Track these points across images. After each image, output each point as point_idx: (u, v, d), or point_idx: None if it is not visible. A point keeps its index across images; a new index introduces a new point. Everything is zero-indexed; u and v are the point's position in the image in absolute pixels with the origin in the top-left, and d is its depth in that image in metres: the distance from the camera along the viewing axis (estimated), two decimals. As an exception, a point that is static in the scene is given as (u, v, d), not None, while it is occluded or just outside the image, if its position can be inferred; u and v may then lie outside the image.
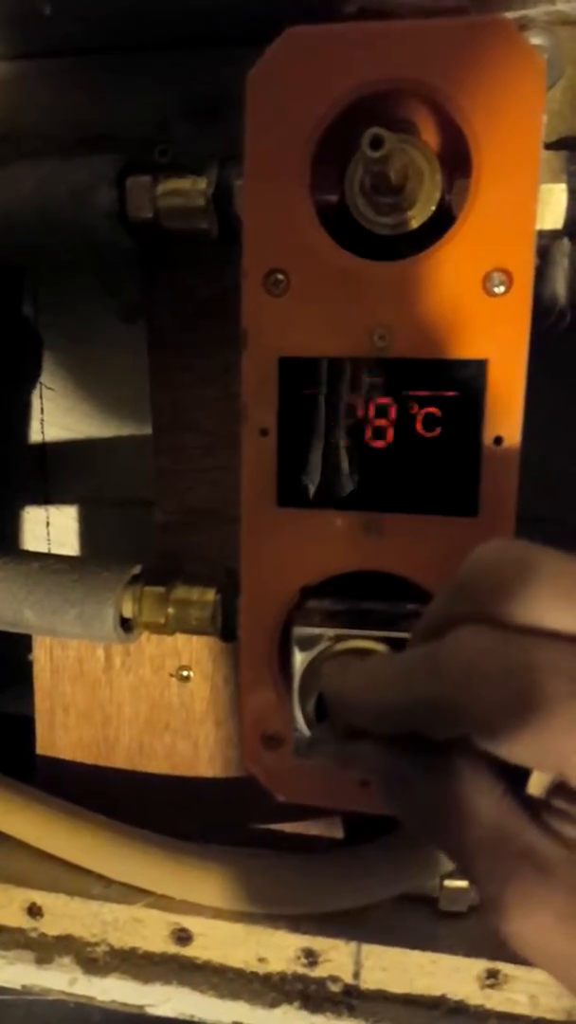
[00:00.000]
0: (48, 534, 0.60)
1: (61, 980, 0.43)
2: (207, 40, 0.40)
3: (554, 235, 0.33)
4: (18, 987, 0.44)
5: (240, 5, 0.35)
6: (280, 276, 0.31)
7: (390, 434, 0.32)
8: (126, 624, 0.41)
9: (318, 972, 0.42)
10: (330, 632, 0.30)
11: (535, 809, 0.20)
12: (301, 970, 0.42)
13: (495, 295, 0.29)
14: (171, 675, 0.47)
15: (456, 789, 0.20)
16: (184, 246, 0.38)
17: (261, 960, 0.42)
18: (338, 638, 0.30)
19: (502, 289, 0.29)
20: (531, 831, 0.19)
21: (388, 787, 0.23)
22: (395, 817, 0.24)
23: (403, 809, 0.23)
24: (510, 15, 0.34)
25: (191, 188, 0.34)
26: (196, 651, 0.47)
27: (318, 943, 0.41)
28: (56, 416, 0.58)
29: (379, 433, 0.32)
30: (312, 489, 0.33)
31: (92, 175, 0.36)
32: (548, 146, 0.32)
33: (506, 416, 0.30)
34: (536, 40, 0.34)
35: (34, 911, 0.44)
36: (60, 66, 0.42)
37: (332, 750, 0.26)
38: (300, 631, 0.30)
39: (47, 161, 0.38)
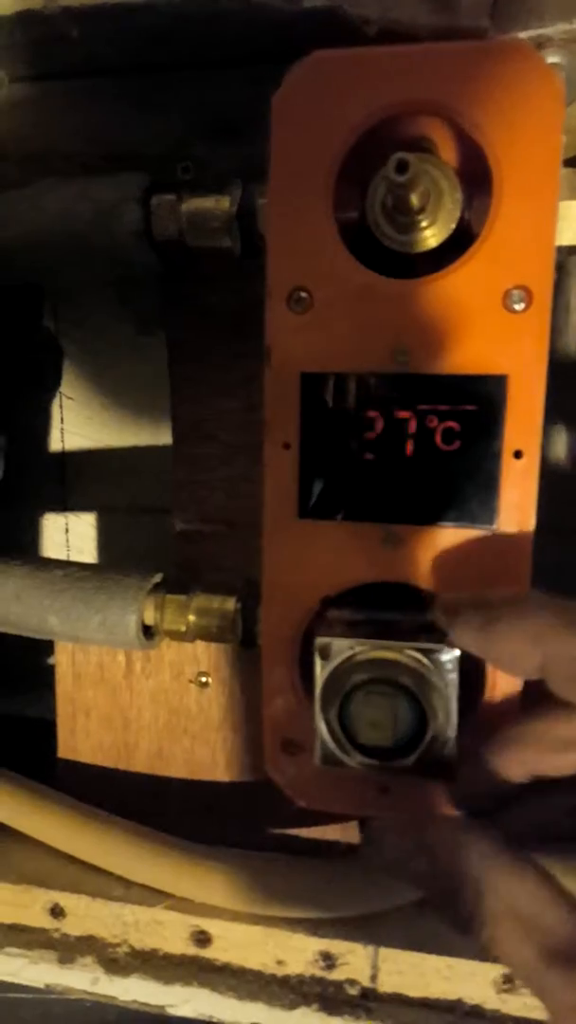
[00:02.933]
0: (67, 540, 0.61)
1: (83, 980, 0.44)
2: (227, 60, 0.40)
3: (571, 251, 0.33)
4: (41, 986, 0.45)
5: (260, 27, 0.36)
6: (303, 294, 0.32)
7: (409, 448, 0.32)
8: (148, 631, 0.41)
9: (336, 975, 0.42)
10: (351, 642, 0.31)
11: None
12: (319, 973, 0.42)
13: (515, 312, 0.30)
14: (190, 681, 0.48)
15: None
16: (205, 261, 0.39)
17: (279, 963, 0.43)
18: (359, 648, 0.30)
19: (522, 306, 0.30)
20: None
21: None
22: None
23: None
24: (527, 34, 0.35)
25: (215, 207, 0.35)
26: (214, 657, 0.47)
27: (336, 946, 0.42)
28: (75, 425, 0.59)
29: (399, 447, 0.32)
30: (333, 502, 0.33)
31: (117, 194, 0.37)
32: (567, 163, 0.33)
33: (526, 431, 0.31)
34: (553, 59, 0.35)
35: (57, 912, 0.45)
36: (84, 86, 0.43)
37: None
38: (322, 641, 0.31)
39: (71, 179, 0.39)
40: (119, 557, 0.60)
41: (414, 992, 0.41)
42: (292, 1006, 0.42)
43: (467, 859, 0.23)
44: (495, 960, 0.23)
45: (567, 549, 0.45)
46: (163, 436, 0.52)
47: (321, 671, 0.31)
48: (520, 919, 0.21)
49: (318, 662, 0.31)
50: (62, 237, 0.39)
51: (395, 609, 0.33)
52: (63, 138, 0.44)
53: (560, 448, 0.46)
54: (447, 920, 0.24)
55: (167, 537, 0.50)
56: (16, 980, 0.45)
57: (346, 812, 0.41)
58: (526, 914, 0.21)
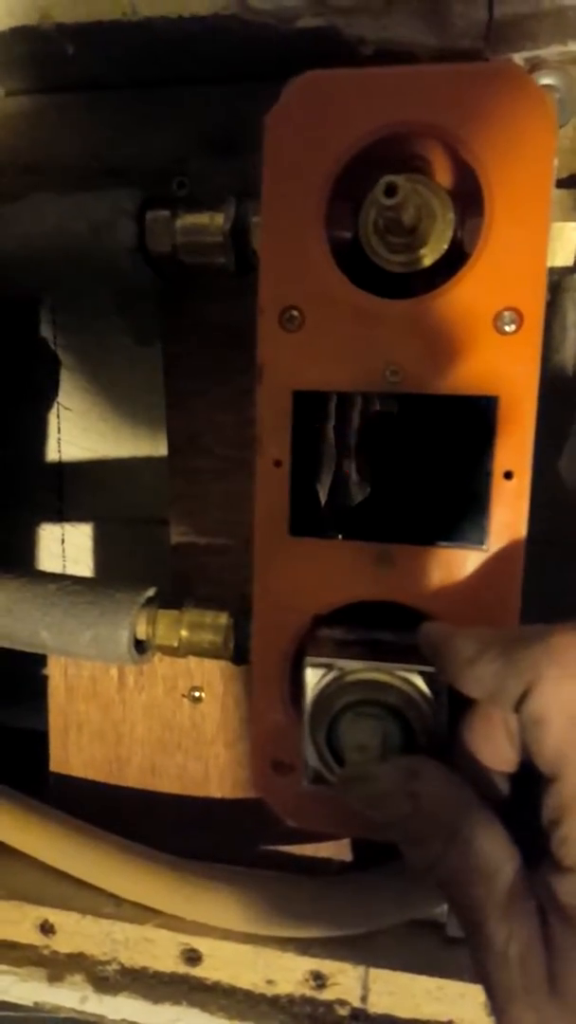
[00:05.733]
0: (63, 551, 0.61)
1: (72, 998, 0.44)
2: (223, 77, 0.40)
3: (564, 271, 0.33)
4: (30, 1004, 0.44)
5: (256, 45, 0.36)
6: (295, 313, 0.32)
7: (401, 467, 0.32)
8: (140, 646, 0.41)
9: (326, 995, 0.42)
10: (341, 662, 0.30)
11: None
12: (309, 993, 0.42)
13: (506, 333, 0.30)
14: (183, 696, 0.47)
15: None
16: (200, 276, 0.39)
17: (270, 982, 0.42)
18: (349, 669, 0.30)
19: (513, 328, 0.30)
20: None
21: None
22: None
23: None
24: (522, 56, 0.35)
25: (209, 224, 0.35)
26: (207, 672, 0.47)
27: (326, 966, 0.42)
28: (73, 435, 0.59)
29: (390, 466, 0.32)
30: (324, 520, 0.33)
31: (112, 209, 0.37)
32: (560, 183, 0.33)
33: (516, 451, 0.31)
34: (548, 80, 0.35)
35: (46, 928, 0.45)
36: (80, 100, 0.43)
37: (346, 788, 0.28)
38: (311, 660, 0.31)
39: (68, 194, 0.39)
40: (115, 568, 0.60)
41: (405, 1013, 0.41)
42: (282, 1026, 0.42)
43: (448, 810, 0.25)
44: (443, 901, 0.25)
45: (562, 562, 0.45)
46: (161, 447, 0.52)
47: (310, 691, 0.30)
48: (480, 868, 0.24)
49: (307, 682, 0.30)
50: (58, 251, 0.39)
51: (386, 629, 0.33)
52: (60, 152, 0.44)
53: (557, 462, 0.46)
54: (408, 861, 0.26)
55: (164, 549, 0.49)
56: (5, 998, 0.44)
57: (336, 832, 0.41)
58: (487, 865, 0.24)
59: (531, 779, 0.25)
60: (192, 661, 0.47)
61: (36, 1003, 0.44)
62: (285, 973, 0.42)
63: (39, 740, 0.51)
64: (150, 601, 0.42)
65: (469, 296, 0.30)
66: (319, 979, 0.42)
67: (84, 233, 0.37)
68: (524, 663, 0.24)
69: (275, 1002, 0.42)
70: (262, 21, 0.34)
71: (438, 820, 0.25)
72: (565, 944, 0.22)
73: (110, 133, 0.43)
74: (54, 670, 0.50)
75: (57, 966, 0.44)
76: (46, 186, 0.43)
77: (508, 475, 0.31)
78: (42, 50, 0.37)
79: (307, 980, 0.42)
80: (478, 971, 0.24)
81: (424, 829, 0.25)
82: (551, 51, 0.35)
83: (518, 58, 0.35)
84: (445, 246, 0.31)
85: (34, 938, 0.45)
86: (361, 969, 0.41)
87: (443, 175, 0.33)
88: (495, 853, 0.24)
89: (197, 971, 0.43)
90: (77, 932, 0.44)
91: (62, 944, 0.45)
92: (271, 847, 0.47)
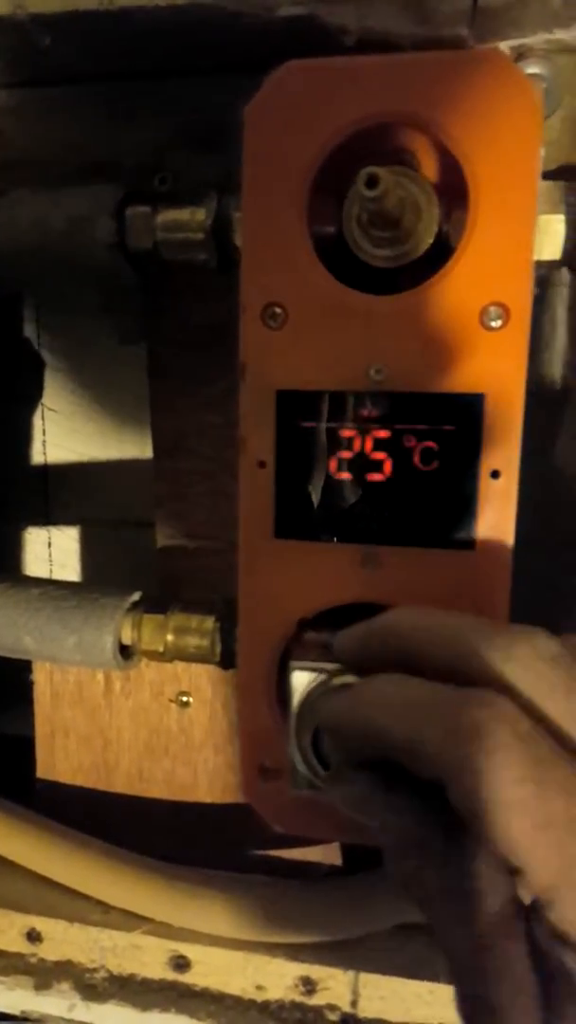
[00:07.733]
0: (50, 554, 0.60)
1: (60, 1006, 0.43)
2: (204, 69, 0.40)
3: (552, 265, 0.33)
4: (17, 1013, 0.44)
5: (237, 35, 0.35)
6: (278, 310, 0.31)
7: (387, 467, 0.31)
8: (125, 651, 0.41)
9: (316, 1000, 0.41)
10: (327, 666, 0.30)
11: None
12: (299, 998, 0.42)
13: (492, 329, 0.29)
14: (171, 700, 0.47)
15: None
16: (183, 274, 0.38)
17: (259, 988, 0.42)
18: (334, 672, 0.30)
19: (499, 323, 0.29)
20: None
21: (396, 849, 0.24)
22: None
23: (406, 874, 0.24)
24: (507, 44, 0.34)
25: (190, 219, 0.34)
26: (195, 677, 0.46)
27: (316, 971, 0.41)
28: (58, 437, 0.58)
29: (376, 466, 0.31)
30: (309, 521, 0.32)
31: (91, 205, 0.36)
32: (547, 175, 0.32)
33: (503, 450, 0.30)
34: (534, 69, 0.34)
35: (33, 936, 0.44)
36: (59, 94, 0.42)
37: (328, 790, 0.26)
38: (297, 664, 0.30)
39: (46, 190, 0.39)
40: (102, 571, 0.59)
41: (395, 1017, 0.40)
42: (272, 1032, 0.41)
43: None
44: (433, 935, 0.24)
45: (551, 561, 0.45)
46: (148, 449, 0.51)
47: (296, 695, 0.30)
48: (462, 886, 0.22)
49: (292, 686, 0.30)
50: (35, 248, 0.38)
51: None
52: (39, 147, 0.43)
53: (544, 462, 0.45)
54: (389, 872, 0.24)
55: (151, 551, 0.49)
56: (-9, 1007, 0.44)
57: (324, 838, 0.41)
58: (469, 882, 0.22)
59: None
60: (179, 665, 0.46)
61: (23, 1012, 0.44)
62: (275, 979, 0.42)
63: (25, 746, 0.51)
64: (135, 606, 0.41)
65: (454, 291, 0.29)
66: (309, 984, 0.41)
67: (63, 229, 0.36)
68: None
69: (265, 1008, 0.42)
70: (242, 9, 0.33)
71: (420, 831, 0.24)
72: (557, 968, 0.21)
73: (89, 127, 0.42)
74: (40, 676, 0.49)
75: (44, 974, 0.44)
76: (24, 182, 0.42)
77: (495, 474, 0.30)
78: (17, 42, 0.37)
79: (297, 985, 0.41)
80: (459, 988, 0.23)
81: (407, 839, 0.24)
82: (537, 39, 0.34)
83: (503, 46, 0.34)
84: (430, 240, 0.31)
85: (21, 946, 0.44)
86: (351, 974, 0.41)
87: (428, 168, 0.32)
88: (479, 870, 0.23)
89: (186, 978, 0.43)
90: (64, 940, 0.44)
91: (49, 952, 0.44)
92: (260, 852, 0.46)
